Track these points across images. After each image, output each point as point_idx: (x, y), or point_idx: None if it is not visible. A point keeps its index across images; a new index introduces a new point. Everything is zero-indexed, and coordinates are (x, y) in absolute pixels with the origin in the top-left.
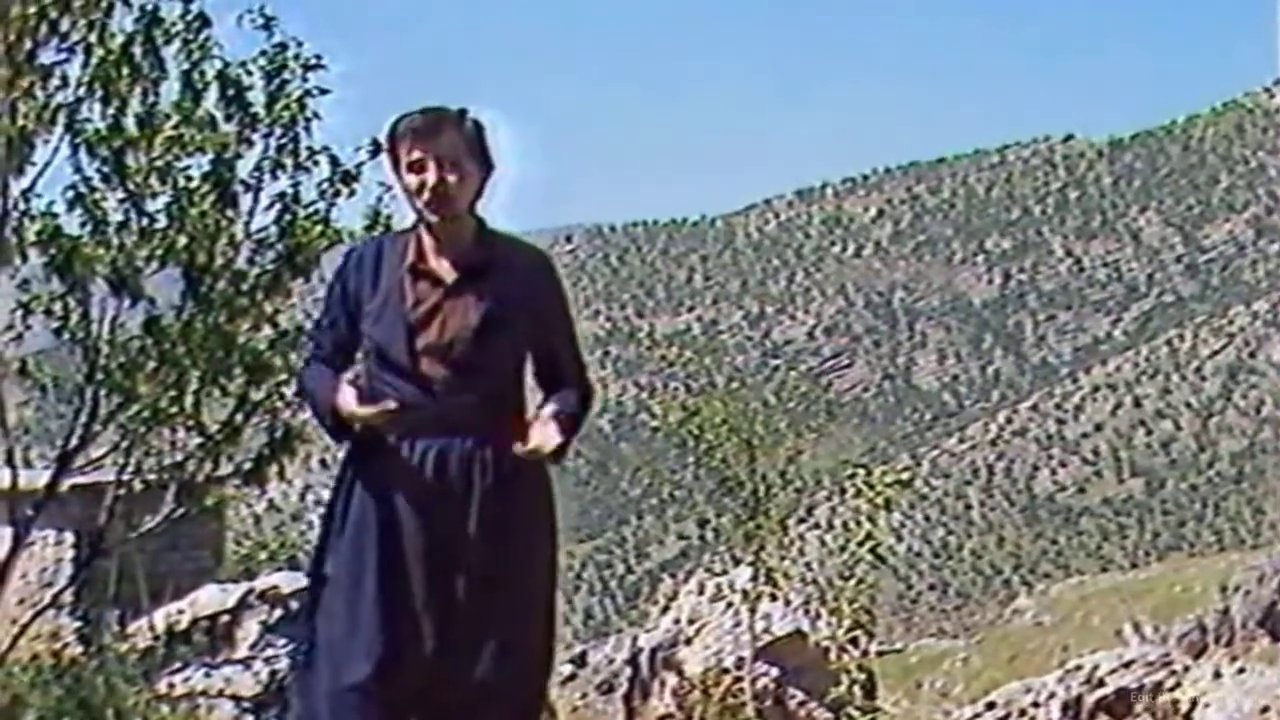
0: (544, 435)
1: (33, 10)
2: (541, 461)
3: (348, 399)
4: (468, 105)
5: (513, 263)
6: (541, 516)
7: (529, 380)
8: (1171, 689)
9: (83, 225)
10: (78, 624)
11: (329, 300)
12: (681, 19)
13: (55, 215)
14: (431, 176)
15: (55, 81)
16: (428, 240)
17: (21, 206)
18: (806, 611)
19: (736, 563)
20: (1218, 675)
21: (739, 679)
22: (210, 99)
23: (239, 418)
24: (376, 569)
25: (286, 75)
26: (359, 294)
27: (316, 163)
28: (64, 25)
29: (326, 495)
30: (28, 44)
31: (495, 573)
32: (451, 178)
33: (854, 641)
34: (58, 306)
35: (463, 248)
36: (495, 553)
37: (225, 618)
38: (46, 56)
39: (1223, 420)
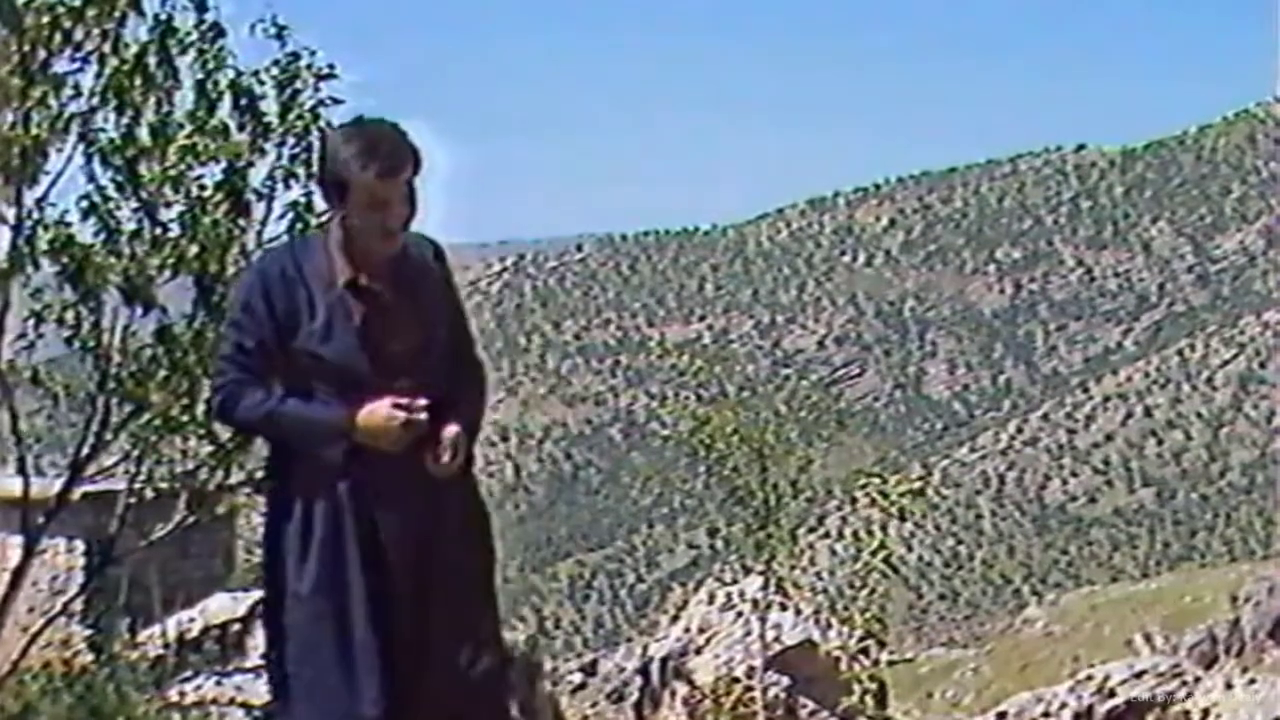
0: (451, 457)
1: (46, 20)
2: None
3: (391, 411)
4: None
5: (426, 265)
6: (488, 525)
7: None
8: (1183, 700)
9: (96, 234)
10: (89, 632)
11: (248, 320)
12: (695, 28)
13: (68, 224)
14: (396, 216)
15: (69, 91)
16: (354, 253)
17: (35, 215)
18: (817, 621)
19: (747, 572)
20: (1229, 686)
21: (750, 688)
22: (223, 108)
23: None
24: (364, 594)
25: (299, 85)
26: (293, 315)
27: None
28: (78, 35)
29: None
30: (41, 53)
31: (465, 583)
32: (409, 209)
33: (865, 651)
34: (70, 315)
35: (387, 262)
36: (463, 563)
37: (236, 626)
38: (60, 66)
39: (1234, 430)
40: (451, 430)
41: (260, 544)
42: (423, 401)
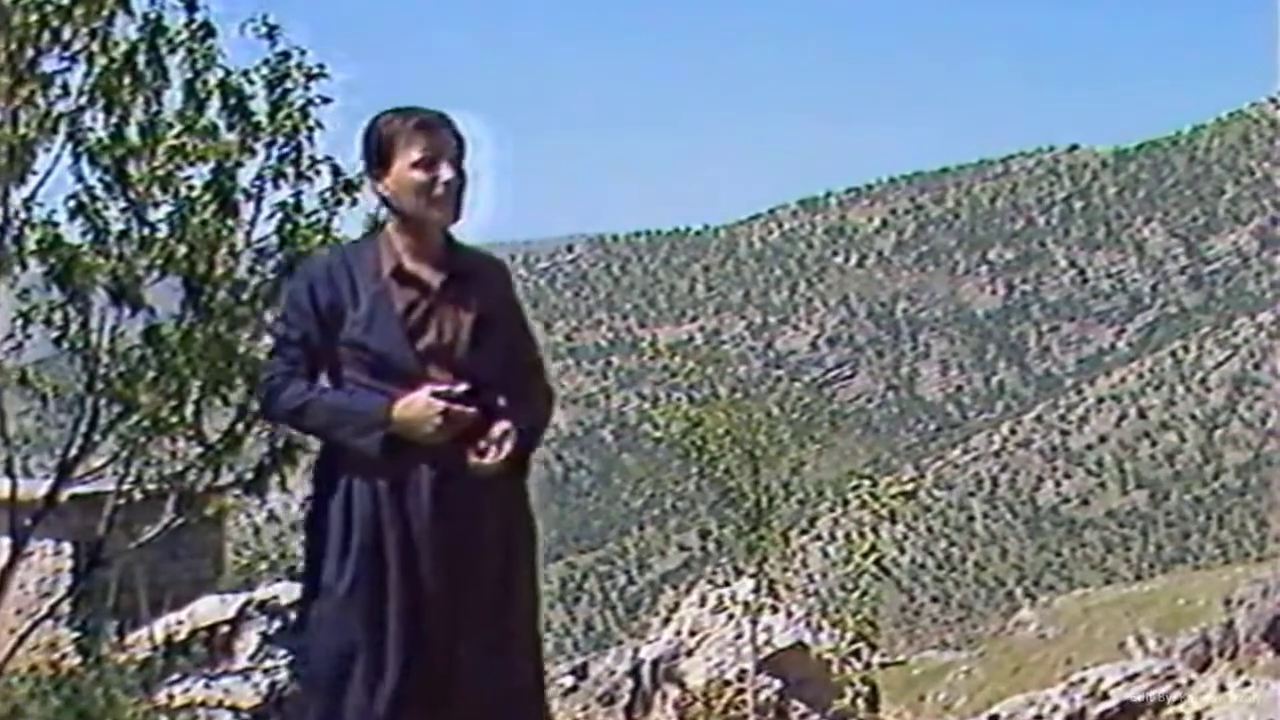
0: (494, 455)
1: (35, 18)
2: (524, 475)
3: (421, 401)
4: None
5: (484, 271)
6: (533, 530)
7: None
8: (1176, 702)
9: (83, 234)
10: (76, 634)
11: (295, 315)
12: (686, 28)
13: (56, 224)
14: (449, 172)
15: (57, 90)
16: (402, 245)
17: (22, 215)
18: (809, 623)
19: (738, 574)
20: (1222, 689)
21: (741, 691)
22: (213, 108)
23: (239, 427)
24: (400, 592)
25: (289, 84)
26: (336, 305)
27: (318, 172)
28: (66, 33)
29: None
30: (30, 52)
31: (506, 583)
32: (457, 176)
33: (857, 654)
34: (58, 316)
35: (439, 254)
36: (503, 569)
37: (225, 628)
38: (48, 65)
39: (1227, 432)
40: (501, 426)
41: (303, 538)
42: (462, 387)
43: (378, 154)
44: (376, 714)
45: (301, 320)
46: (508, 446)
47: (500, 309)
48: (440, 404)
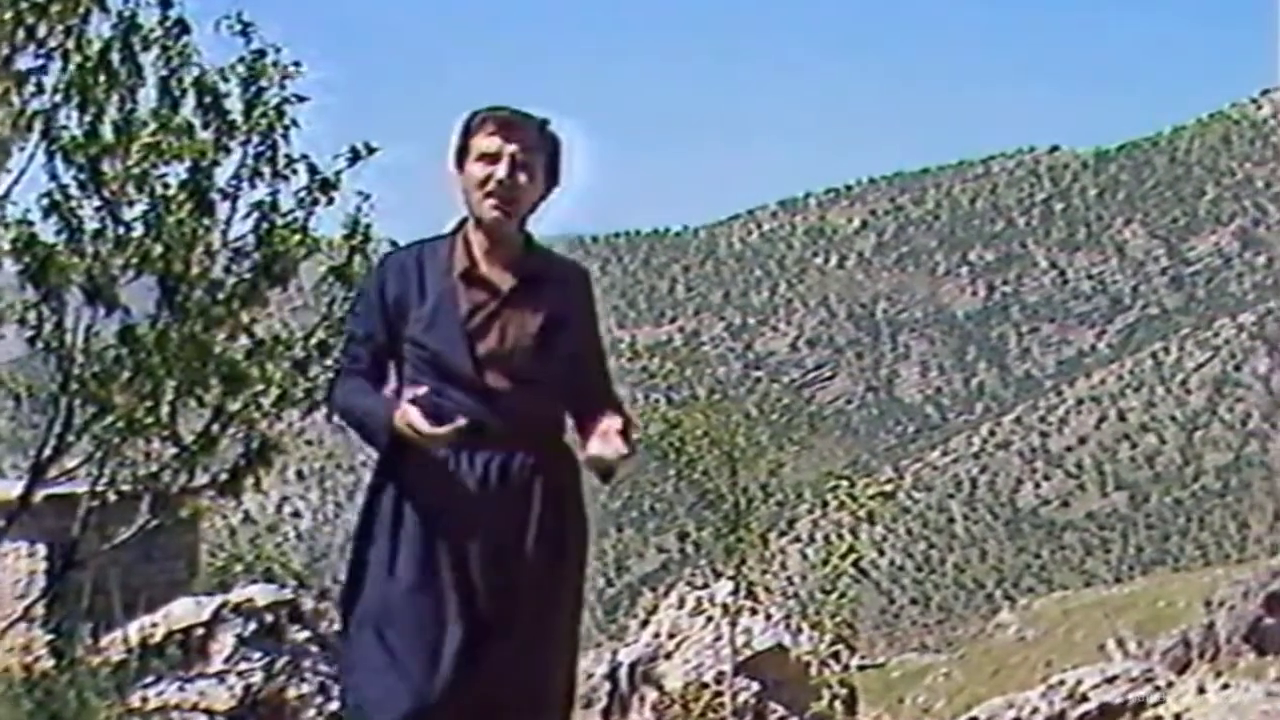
0: (611, 444)
1: (9, 15)
2: (579, 478)
3: (413, 417)
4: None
5: (561, 275)
6: (585, 535)
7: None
8: (1155, 705)
9: (58, 233)
10: (50, 637)
11: (365, 309)
12: (663, 27)
13: (30, 223)
14: (502, 170)
15: (31, 88)
16: (476, 245)
17: None
18: (788, 626)
19: (717, 576)
20: (1202, 691)
21: (719, 694)
22: (188, 106)
23: (215, 428)
24: (448, 598)
25: (264, 82)
26: (403, 301)
27: (295, 171)
28: (41, 31)
29: (356, 505)
30: (4, 50)
31: (550, 591)
32: (522, 177)
33: (835, 656)
34: (32, 315)
35: (513, 256)
36: (551, 570)
37: (199, 630)
38: (23, 62)
39: (1207, 434)
40: (613, 422)
41: (354, 527)
42: (462, 422)
43: (459, 148)
44: (425, 704)
45: (368, 315)
46: (618, 442)
47: (574, 315)
48: (414, 416)
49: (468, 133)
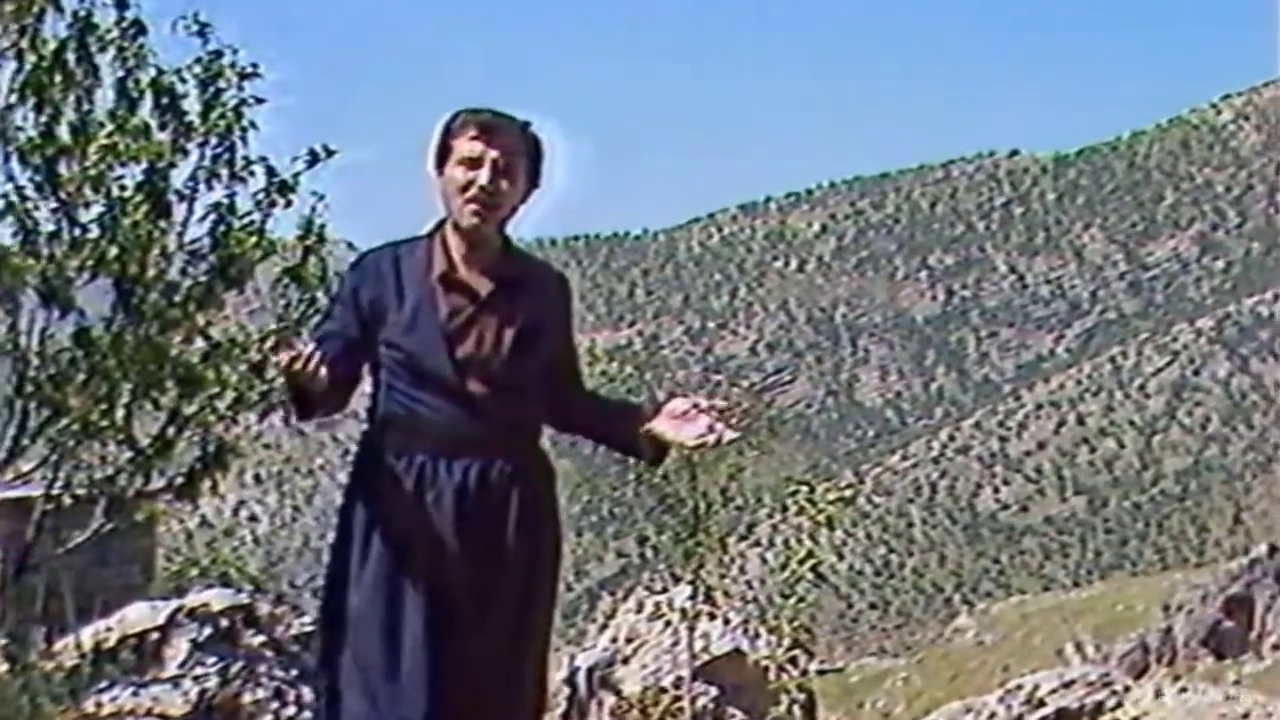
0: (700, 428)
1: None
2: (554, 483)
3: (281, 352)
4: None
5: (539, 280)
6: (559, 541)
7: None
8: (1113, 709)
9: (13, 235)
10: (3, 642)
11: (338, 309)
12: (624, 29)
13: None
14: (484, 176)
15: None
16: (455, 247)
17: None
18: (746, 630)
19: (676, 581)
20: (1159, 695)
21: (677, 699)
22: (145, 107)
23: (171, 431)
24: (422, 606)
25: (222, 83)
26: (379, 303)
27: (252, 173)
28: None
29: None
30: None
31: (527, 597)
32: (504, 183)
33: (794, 661)
34: None
35: (492, 259)
36: (528, 577)
37: (154, 635)
38: None
39: (1166, 438)
40: (681, 401)
41: (334, 533)
42: (313, 356)
43: (439, 150)
44: (406, 713)
45: (342, 314)
46: (721, 428)
47: (551, 320)
48: (282, 353)
49: (449, 134)
